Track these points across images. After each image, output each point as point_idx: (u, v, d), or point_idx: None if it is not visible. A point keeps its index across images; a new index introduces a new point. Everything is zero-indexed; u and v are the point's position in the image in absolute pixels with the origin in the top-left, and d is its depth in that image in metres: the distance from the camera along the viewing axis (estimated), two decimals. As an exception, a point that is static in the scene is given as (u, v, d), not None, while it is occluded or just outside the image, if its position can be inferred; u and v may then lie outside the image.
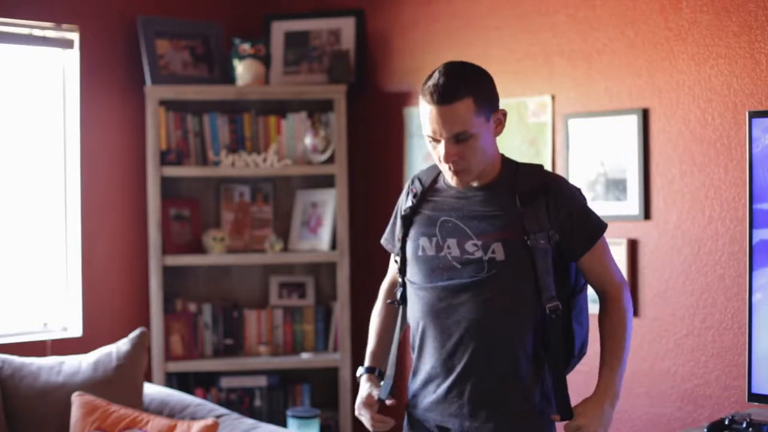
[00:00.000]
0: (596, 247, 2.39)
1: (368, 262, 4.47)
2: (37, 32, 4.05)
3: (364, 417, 2.52)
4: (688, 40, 3.29)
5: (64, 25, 4.10)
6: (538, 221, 2.30)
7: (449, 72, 2.27)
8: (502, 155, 2.44)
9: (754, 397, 2.89)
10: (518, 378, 2.34)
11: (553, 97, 3.71)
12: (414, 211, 2.44)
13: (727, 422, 2.74)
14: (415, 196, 2.46)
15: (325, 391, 4.47)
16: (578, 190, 2.43)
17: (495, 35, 3.90)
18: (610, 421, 2.36)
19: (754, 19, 3.12)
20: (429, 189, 2.46)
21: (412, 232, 2.44)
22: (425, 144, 2.40)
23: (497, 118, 2.34)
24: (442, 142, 2.28)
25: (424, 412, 2.44)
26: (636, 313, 3.45)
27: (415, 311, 2.46)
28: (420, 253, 2.41)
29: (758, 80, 3.10)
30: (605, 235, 2.42)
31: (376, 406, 2.50)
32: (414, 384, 2.49)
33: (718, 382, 3.22)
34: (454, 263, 2.35)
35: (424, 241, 2.40)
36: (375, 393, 2.51)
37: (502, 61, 3.86)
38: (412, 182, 2.52)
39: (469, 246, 2.33)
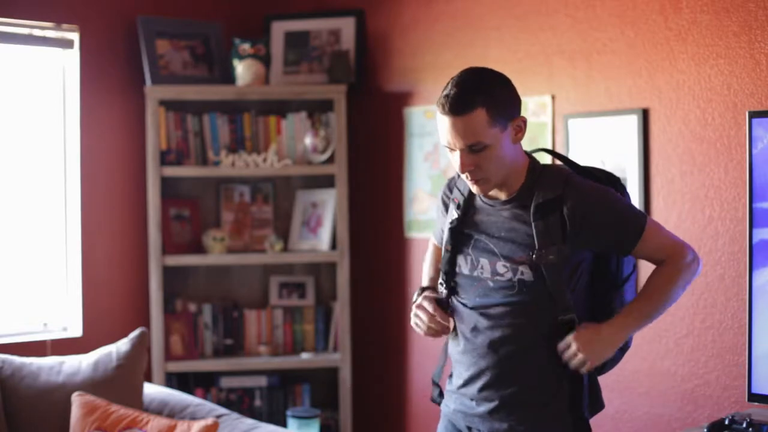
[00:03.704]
0: (644, 236, 2.33)
1: (368, 262, 4.47)
2: (37, 32, 4.05)
3: (423, 311, 2.43)
4: (688, 40, 3.29)
5: (64, 25, 4.10)
6: (548, 236, 2.28)
7: (463, 82, 2.25)
8: (531, 158, 2.41)
9: (754, 397, 2.89)
10: (541, 386, 2.36)
11: (553, 97, 3.71)
12: (461, 223, 2.43)
13: (727, 422, 2.74)
14: (458, 207, 2.45)
15: (325, 391, 4.47)
16: (606, 192, 2.34)
17: (495, 35, 3.90)
18: (603, 352, 2.32)
19: (754, 19, 3.12)
20: (468, 201, 2.44)
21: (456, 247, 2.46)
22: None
23: (516, 126, 2.31)
24: (458, 151, 2.27)
25: (455, 413, 2.49)
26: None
27: (456, 319, 2.48)
28: (458, 269, 2.44)
29: (758, 80, 3.10)
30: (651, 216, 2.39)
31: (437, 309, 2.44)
32: (450, 386, 2.53)
33: (718, 382, 3.22)
34: (488, 282, 2.37)
35: (461, 259, 2.43)
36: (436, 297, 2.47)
37: (502, 61, 3.86)
38: (450, 190, 2.51)
39: (499, 267, 2.35)
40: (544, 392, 2.36)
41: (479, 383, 2.40)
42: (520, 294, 2.32)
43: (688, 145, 3.31)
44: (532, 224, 2.30)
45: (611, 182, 2.44)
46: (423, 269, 2.68)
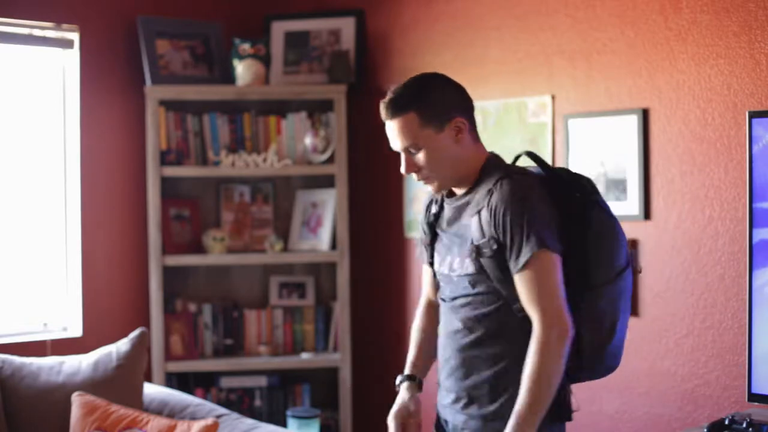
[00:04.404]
0: (528, 270, 2.24)
1: (368, 262, 4.47)
2: (37, 32, 4.05)
3: (391, 428, 2.48)
4: (688, 40, 3.29)
5: (64, 25, 4.10)
6: (481, 229, 2.31)
7: (398, 87, 2.36)
8: (492, 157, 2.43)
9: (754, 397, 2.90)
10: (497, 380, 2.34)
11: (553, 97, 3.71)
12: (437, 218, 2.48)
13: (727, 422, 2.74)
14: (436, 202, 2.52)
15: (325, 391, 4.47)
16: (524, 201, 2.27)
17: (495, 35, 3.90)
18: None
19: (754, 19, 3.12)
20: (443, 200, 2.49)
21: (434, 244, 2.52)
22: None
23: (455, 126, 2.36)
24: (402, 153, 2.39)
25: (438, 405, 2.54)
26: (636, 313, 3.45)
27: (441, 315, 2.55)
28: (435, 267, 2.51)
29: (758, 80, 3.10)
30: (553, 259, 2.24)
31: (408, 421, 2.46)
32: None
33: (718, 382, 3.22)
34: (452, 276, 2.41)
35: (436, 257, 2.49)
36: (411, 406, 2.49)
37: (502, 61, 3.86)
38: (433, 199, 2.57)
39: (455, 261, 2.40)
40: (500, 387, 2.34)
41: (444, 374, 2.46)
42: (473, 287, 2.36)
43: (688, 145, 3.31)
44: (471, 219, 2.35)
45: (578, 184, 2.38)
46: (410, 340, 2.66)
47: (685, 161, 3.31)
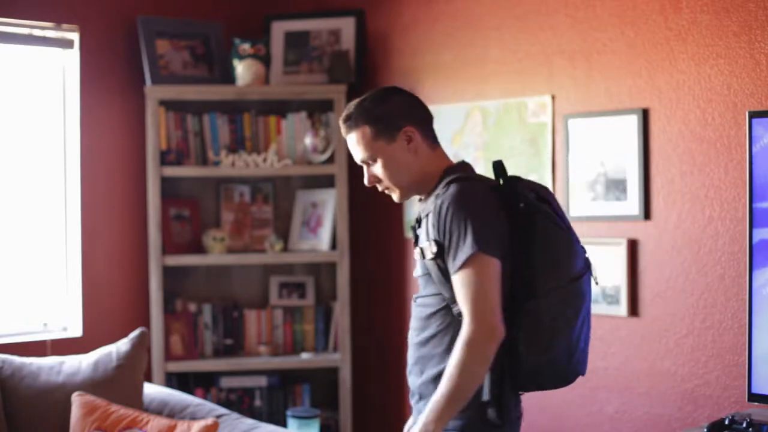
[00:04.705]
0: (462, 273, 2.27)
1: (368, 262, 4.47)
2: (37, 32, 4.05)
3: None
4: (688, 40, 3.29)
5: (64, 25, 4.10)
6: (426, 233, 2.37)
7: (353, 102, 2.47)
8: (458, 164, 2.47)
9: (754, 397, 2.90)
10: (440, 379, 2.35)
11: (553, 97, 3.71)
12: (419, 223, 2.51)
13: (727, 422, 2.74)
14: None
15: (325, 391, 4.47)
16: (461, 206, 2.30)
17: (495, 35, 3.90)
18: None
19: (754, 19, 3.12)
20: None
21: None
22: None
23: (406, 136, 2.42)
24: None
25: None
26: (636, 313, 3.45)
27: None
28: None
29: (758, 80, 3.10)
30: (482, 264, 2.25)
31: None
32: None
33: (718, 382, 3.22)
34: (416, 278, 2.51)
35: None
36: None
37: (502, 61, 3.86)
38: None
39: (415, 263, 2.50)
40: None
41: (407, 372, 2.51)
42: (423, 288, 2.44)
43: (688, 145, 3.31)
44: (423, 222, 2.42)
45: (523, 195, 2.34)
46: None
47: (685, 161, 3.31)
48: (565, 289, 2.31)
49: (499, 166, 2.43)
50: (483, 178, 2.45)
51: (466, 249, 2.27)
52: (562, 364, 2.34)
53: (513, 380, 2.31)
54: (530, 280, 2.30)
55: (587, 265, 2.40)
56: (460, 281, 2.28)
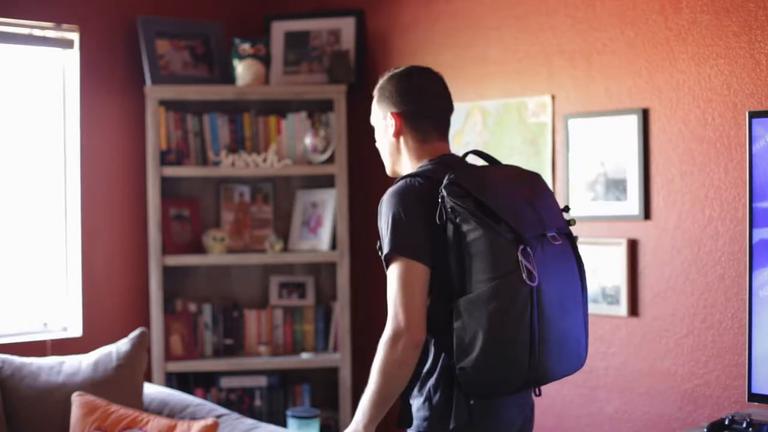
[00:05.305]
0: (387, 270, 2.26)
1: (368, 262, 4.46)
2: (37, 32, 4.05)
3: None
4: (688, 40, 3.29)
5: (64, 25, 4.10)
6: (379, 229, 2.34)
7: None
8: (435, 164, 2.36)
9: (754, 397, 2.90)
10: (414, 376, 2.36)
11: (553, 97, 3.71)
12: None
13: (727, 422, 2.75)
14: None
15: (325, 391, 4.47)
16: (390, 204, 2.26)
17: (495, 35, 3.90)
18: None
19: (754, 19, 3.12)
20: None
21: None
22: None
23: (390, 120, 2.43)
24: None
25: None
26: (636, 313, 3.45)
27: None
28: None
29: (758, 80, 3.10)
30: (401, 267, 2.21)
31: None
32: None
33: (718, 382, 3.22)
34: None
35: None
36: None
37: (502, 61, 3.86)
38: None
39: None
40: (410, 387, 2.37)
41: None
42: None
43: (688, 145, 3.31)
44: None
45: (439, 194, 2.27)
46: None
47: (685, 161, 3.31)
48: (482, 293, 2.15)
49: (478, 154, 2.47)
50: (429, 178, 2.29)
51: (385, 249, 2.26)
52: (513, 365, 2.16)
53: (459, 386, 2.23)
54: (448, 284, 2.22)
55: (512, 271, 2.13)
56: (387, 279, 2.28)
